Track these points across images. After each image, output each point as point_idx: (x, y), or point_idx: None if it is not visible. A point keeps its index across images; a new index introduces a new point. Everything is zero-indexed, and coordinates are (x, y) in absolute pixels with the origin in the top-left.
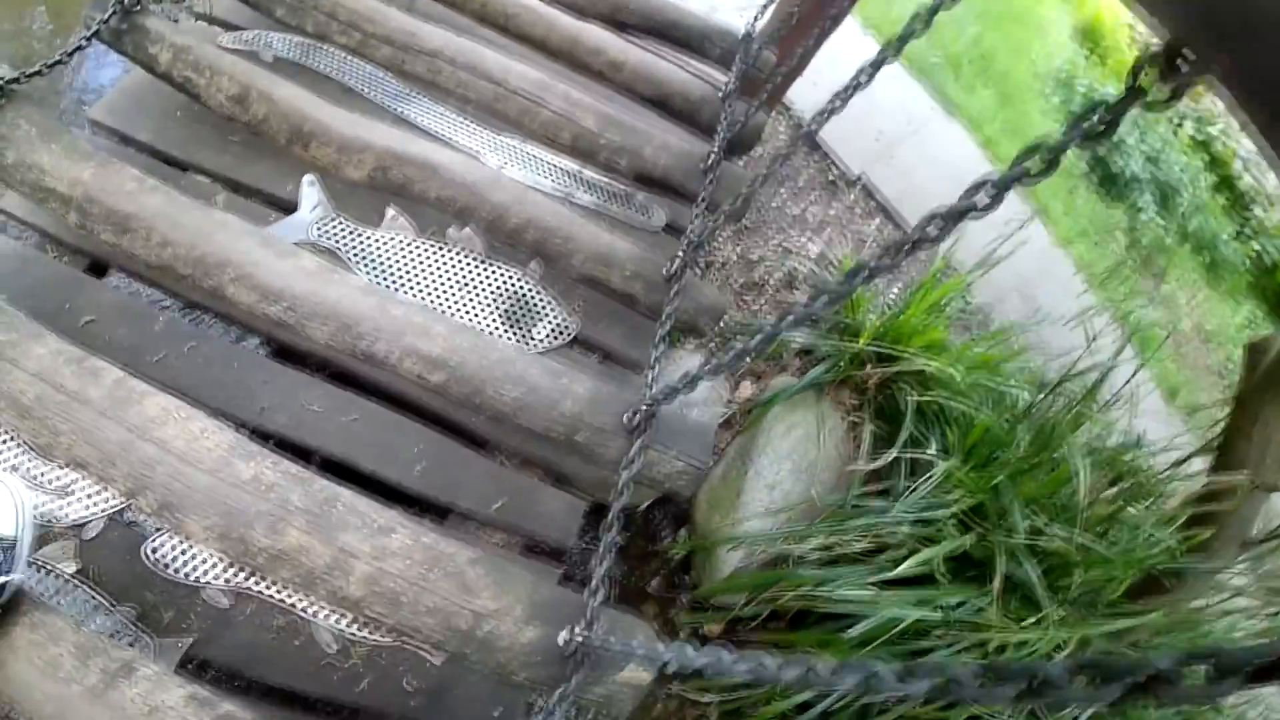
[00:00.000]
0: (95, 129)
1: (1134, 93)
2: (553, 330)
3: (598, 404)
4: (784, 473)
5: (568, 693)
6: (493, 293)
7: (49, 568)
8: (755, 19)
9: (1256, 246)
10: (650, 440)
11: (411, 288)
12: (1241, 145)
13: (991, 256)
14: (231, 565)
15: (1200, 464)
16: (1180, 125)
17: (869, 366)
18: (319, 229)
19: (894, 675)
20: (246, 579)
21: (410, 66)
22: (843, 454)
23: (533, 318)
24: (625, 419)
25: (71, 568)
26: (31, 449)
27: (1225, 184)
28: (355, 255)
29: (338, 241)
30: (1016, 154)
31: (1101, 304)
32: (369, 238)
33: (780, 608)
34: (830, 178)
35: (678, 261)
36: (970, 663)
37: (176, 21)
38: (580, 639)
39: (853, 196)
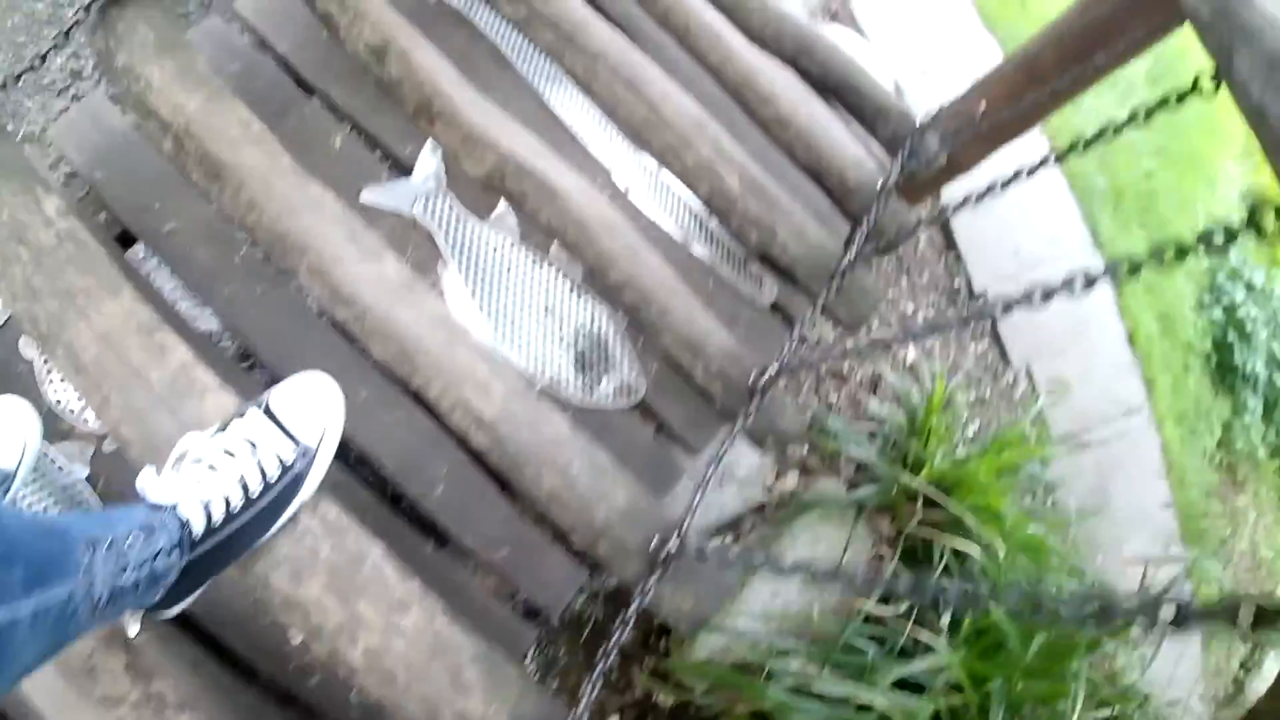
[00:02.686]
0: (237, 22)
1: None
2: (620, 387)
3: (630, 519)
4: (794, 581)
5: None
6: (575, 327)
7: (58, 464)
8: (938, 113)
9: None
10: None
11: (497, 296)
12: None
13: (1085, 433)
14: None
15: None
16: None
17: (917, 504)
18: (425, 203)
19: None
20: None
21: (569, 61)
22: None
23: (605, 367)
24: (652, 546)
25: (83, 472)
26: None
27: None
28: (453, 243)
29: (440, 222)
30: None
31: (1176, 510)
32: (472, 229)
33: (733, 716)
34: (955, 284)
35: (765, 377)
36: None
37: None
38: None
39: (965, 310)
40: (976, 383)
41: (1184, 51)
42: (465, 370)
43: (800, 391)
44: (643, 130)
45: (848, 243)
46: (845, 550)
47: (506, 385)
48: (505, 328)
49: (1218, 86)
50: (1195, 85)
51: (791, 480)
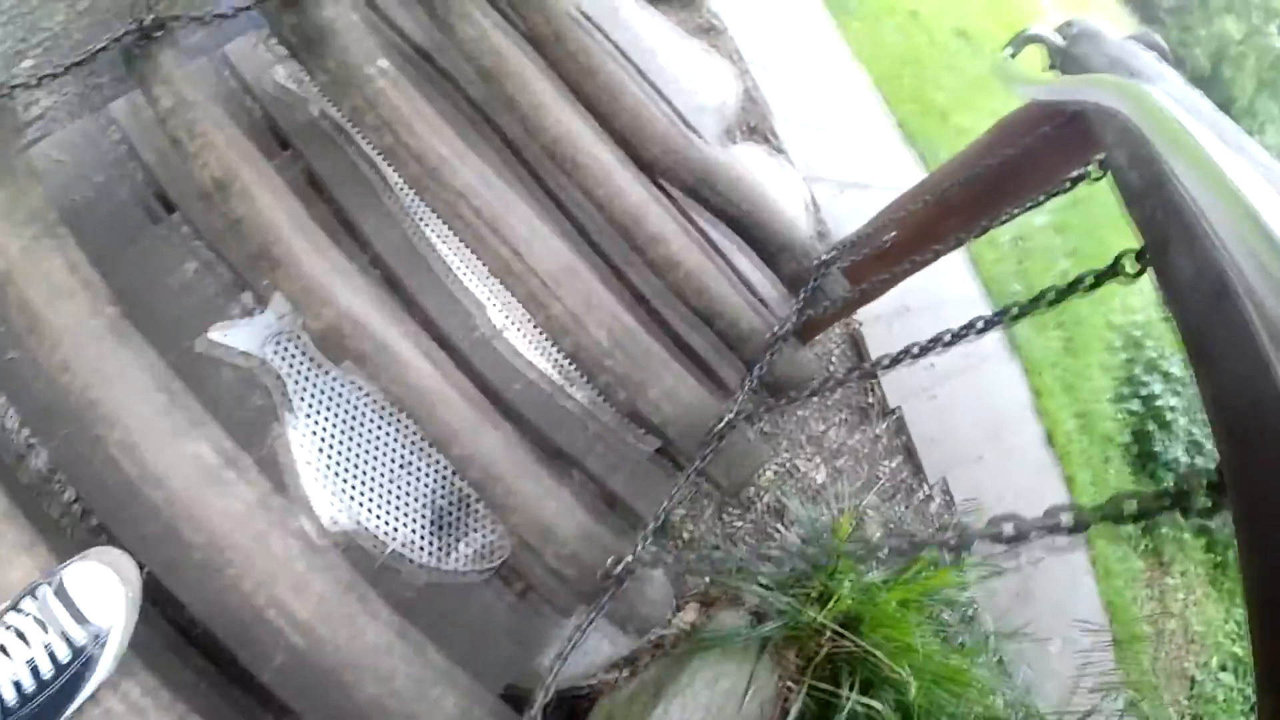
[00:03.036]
0: (109, 124)
1: None
2: (480, 550)
3: None
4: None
5: None
6: (431, 484)
7: None
8: (839, 251)
9: None
10: None
11: (348, 449)
12: None
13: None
14: None
15: None
16: None
17: (824, 637)
18: (275, 345)
19: None
20: None
21: (431, 197)
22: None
23: (464, 528)
24: None
25: None
26: None
27: None
28: (301, 390)
29: (290, 366)
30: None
31: (1105, 604)
32: (324, 375)
33: None
34: (868, 401)
35: (621, 565)
36: None
37: None
38: None
39: (882, 427)
40: (890, 499)
41: None
42: (279, 566)
43: (701, 520)
44: (505, 277)
45: (734, 398)
46: (750, 684)
47: (326, 583)
48: (354, 485)
49: (1142, 271)
50: (1115, 265)
51: (691, 613)
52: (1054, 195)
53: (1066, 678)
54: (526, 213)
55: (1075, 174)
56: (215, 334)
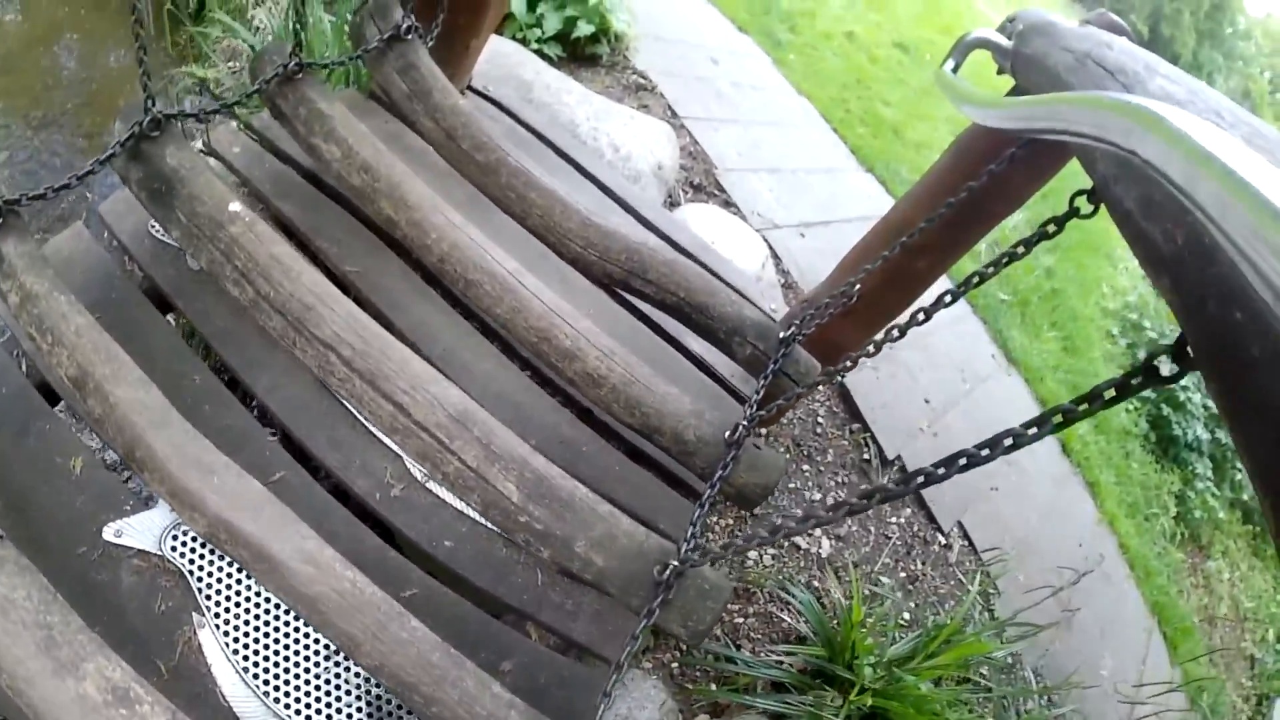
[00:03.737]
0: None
1: None
2: None
3: None
4: None
5: None
6: (363, 673)
7: None
8: (799, 323)
9: None
10: None
11: (266, 645)
12: None
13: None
14: None
15: None
16: None
17: None
18: (174, 539)
19: None
20: None
21: (300, 352)
22: None
23: (403, 711)
24: None
25: None
26: None
27: None
28: (207, 586)
29: (191, 561)
30: None
31: (1151, 607)
32: (228, 566)
33: None
34: (864, 456)
35: None
36: None
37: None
38: None
39: (885, 480)
40: (905, 556)
41: None
42: None
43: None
44: (392, 434)
45: (686, 533)
46: None
47: None
48: (277, 684)
49: (1182, 374)
50: (1148, 368)
51: None
52: (1038, 243)
53: (1123, 700)
54: (405, 355)
55: (1062, 215)
56: (109, 534)
